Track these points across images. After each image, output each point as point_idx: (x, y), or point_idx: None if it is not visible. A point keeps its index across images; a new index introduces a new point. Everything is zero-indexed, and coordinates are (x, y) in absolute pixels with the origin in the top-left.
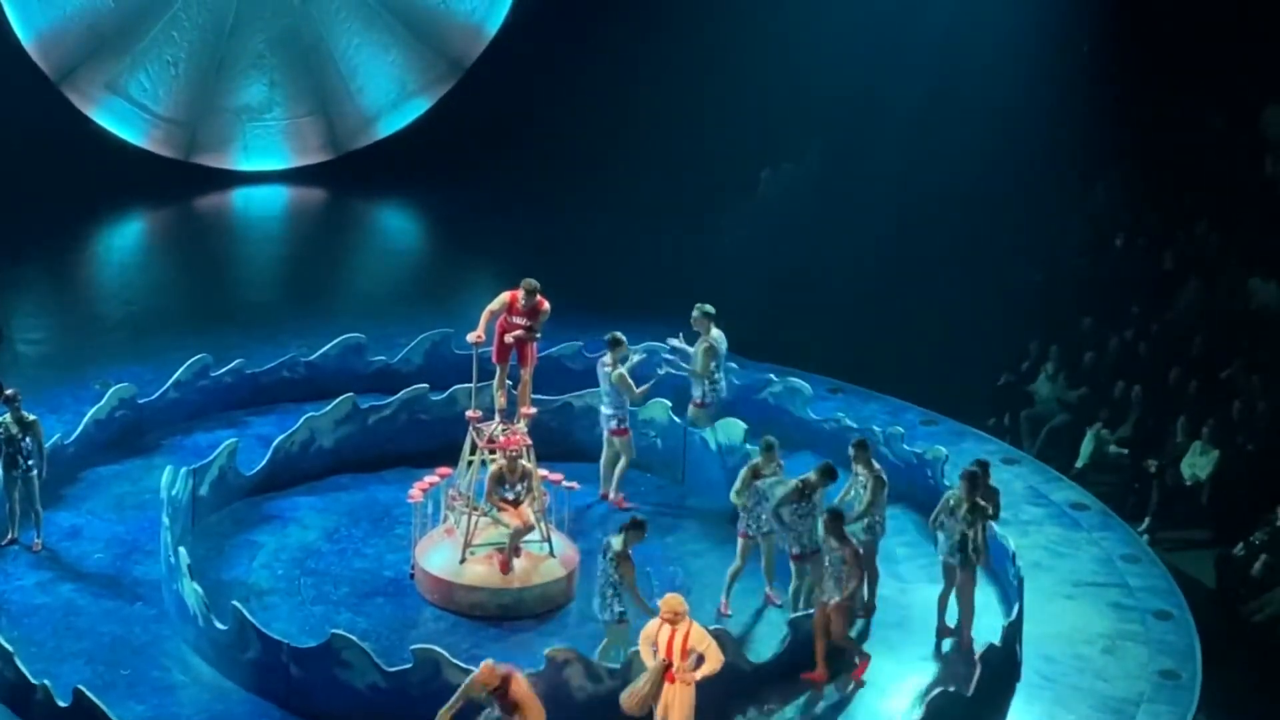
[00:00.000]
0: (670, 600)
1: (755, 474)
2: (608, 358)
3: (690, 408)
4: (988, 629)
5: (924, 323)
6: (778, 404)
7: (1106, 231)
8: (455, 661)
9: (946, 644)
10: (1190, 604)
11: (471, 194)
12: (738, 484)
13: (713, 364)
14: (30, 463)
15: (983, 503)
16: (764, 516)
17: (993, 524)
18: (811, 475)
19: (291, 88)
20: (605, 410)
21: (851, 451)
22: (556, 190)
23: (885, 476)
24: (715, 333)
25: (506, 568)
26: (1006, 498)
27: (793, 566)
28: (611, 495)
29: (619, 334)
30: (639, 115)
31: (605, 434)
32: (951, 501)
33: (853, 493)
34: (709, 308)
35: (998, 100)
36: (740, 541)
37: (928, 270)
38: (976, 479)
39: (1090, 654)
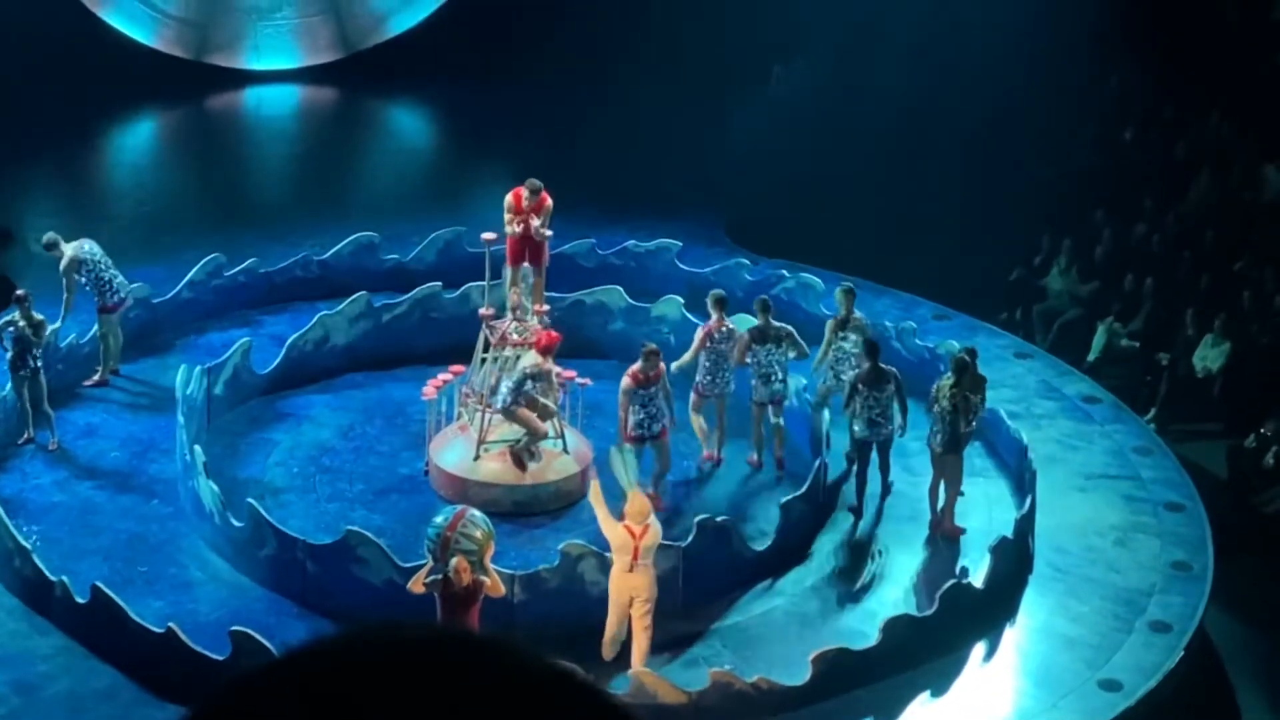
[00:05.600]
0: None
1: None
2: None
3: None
4: (1000, 522)
5: (936, 217)
6: (790, 299)
7: (1118, 124)
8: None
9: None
10: (1202, 495)
11: (483, 91)
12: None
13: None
14: (39, 364)
15: (969, 392)
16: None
17: (1007, 420)
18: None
19: None
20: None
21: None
22: (569, 86)
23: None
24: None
25: (524, 468)
26: (1019, 392)
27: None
28: (715, 455)
29: (722, 292)
30: (652, 9)
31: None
32: (934, 391)
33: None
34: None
35: None
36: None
37: (940, 165)
38: (965, 366)
39: (1102, 546)
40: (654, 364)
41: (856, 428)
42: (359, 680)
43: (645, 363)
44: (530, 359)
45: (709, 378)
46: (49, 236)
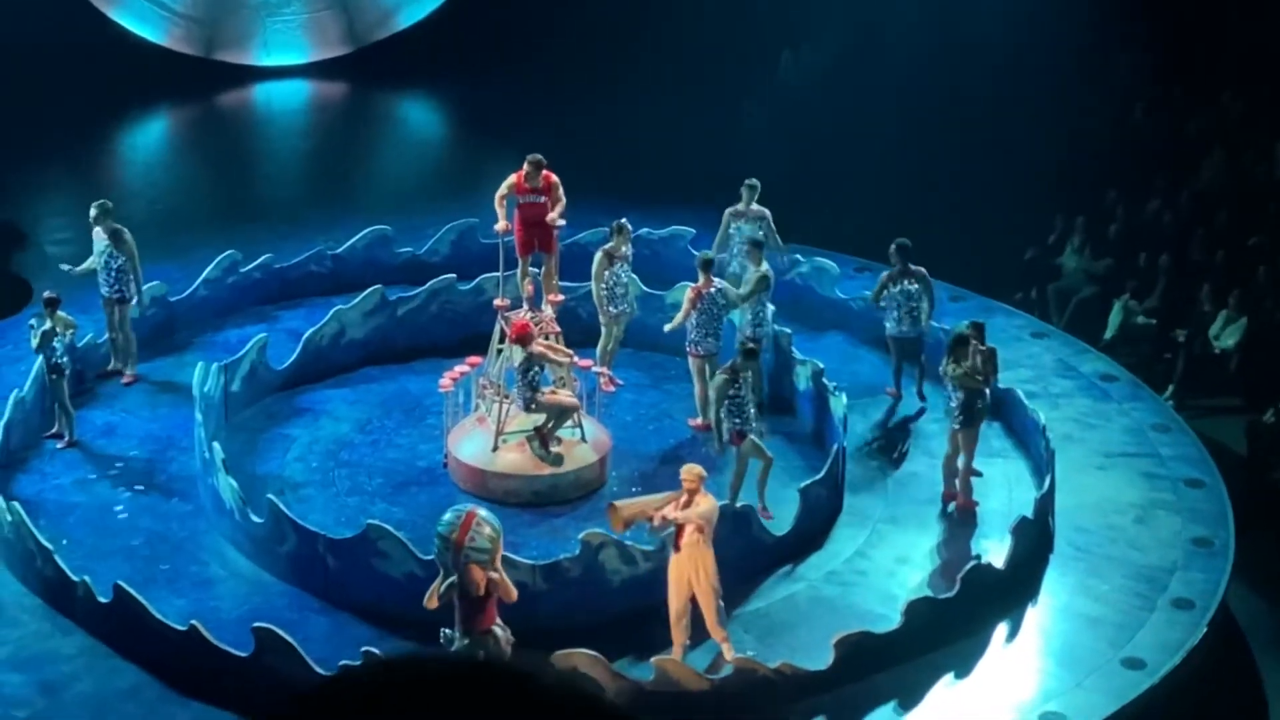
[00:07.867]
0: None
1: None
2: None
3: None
4: (1020, 502)
5: (949, 199)
6: (805, 284)
7: (1130, 103)
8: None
9: (951, 507)
10: (1221, 471)
11: (493, 83)
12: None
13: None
14: (55, 363)
15: (969, 365)
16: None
17: (1025, 399)
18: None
19: None
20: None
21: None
22: (578, 76)
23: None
24: (765, 266)
25: (548, 448)
26: (1036, 371)
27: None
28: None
29: (710, 253)
30: None
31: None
32: (940, 369)
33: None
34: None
35: None
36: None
37: (952, 146)
38: (960, 342)
39: (1123, 524)
40: (750, 362)
41: (888, 325)
42: (396, 712)
43: (744, 359)
44: (517, 354)
45: (707, 338)
46: (107, 204)
